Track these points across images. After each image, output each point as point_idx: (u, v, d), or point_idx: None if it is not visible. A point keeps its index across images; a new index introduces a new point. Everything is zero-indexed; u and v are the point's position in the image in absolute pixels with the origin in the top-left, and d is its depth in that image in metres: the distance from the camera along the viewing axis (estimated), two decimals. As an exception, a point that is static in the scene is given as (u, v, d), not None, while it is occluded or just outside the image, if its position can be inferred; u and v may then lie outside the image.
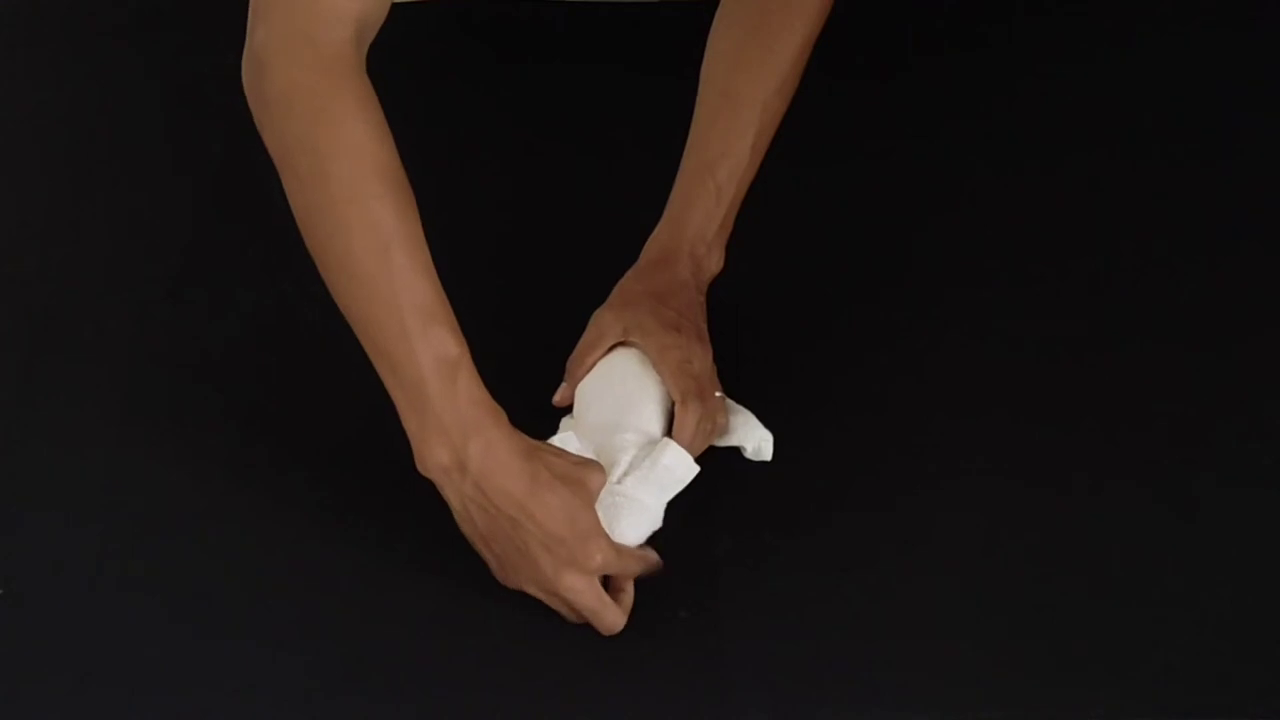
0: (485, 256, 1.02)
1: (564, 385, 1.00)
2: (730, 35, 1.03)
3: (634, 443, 0.96)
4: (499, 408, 0.88)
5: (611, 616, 0.90)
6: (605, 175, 1.15)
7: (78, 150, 1.25)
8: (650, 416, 0.97)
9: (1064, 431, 1.01)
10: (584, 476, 0.90)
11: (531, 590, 0.90)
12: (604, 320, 1.00)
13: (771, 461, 0.99)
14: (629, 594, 0.91)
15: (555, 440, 0.95)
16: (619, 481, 0.94)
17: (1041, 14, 1.29)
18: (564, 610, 0.91)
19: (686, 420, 0.96)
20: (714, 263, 1.02)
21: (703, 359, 0.98)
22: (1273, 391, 1.03)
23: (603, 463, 0.94)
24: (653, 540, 0.94)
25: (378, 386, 1.04)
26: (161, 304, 1.12)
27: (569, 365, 1.00)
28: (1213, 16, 1.27)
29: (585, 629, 0.91)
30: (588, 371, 0.99)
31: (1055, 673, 0.90)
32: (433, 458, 0.88)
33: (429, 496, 0.98)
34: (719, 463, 0.99)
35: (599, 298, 1.00)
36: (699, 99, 1.04)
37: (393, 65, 1.20)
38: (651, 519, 0.94)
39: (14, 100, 1.30)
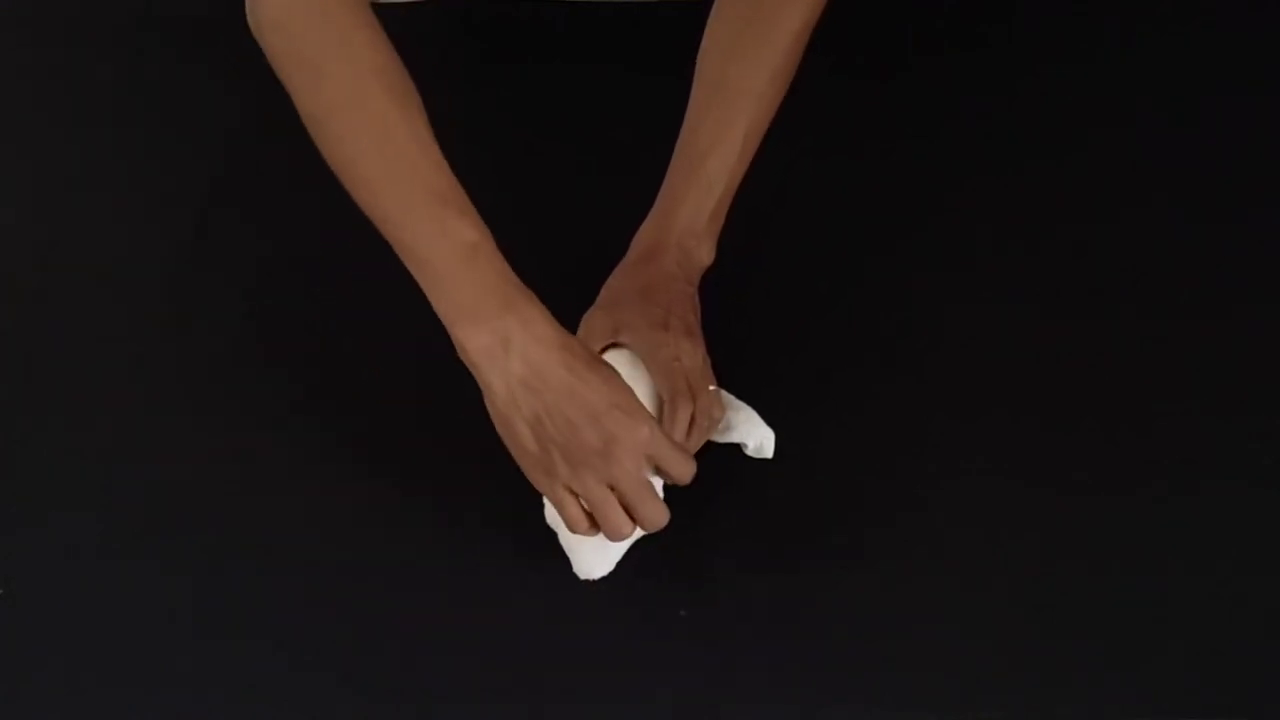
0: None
1: None
2: (724, 25, 1.03)
3: None
4: (528, 288, 0.88)
5: (656, 506, 0.88)
6: (605, 175, 1.15)
7: (78, 150, 1.25)
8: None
9: (1064, 432, 1.01)
10: (610, 363, 0.91)
11: (574, 483, 0.88)
12: (593, 322, 0.99)
13: (772, 461, 0.99)
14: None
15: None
16: None
17: (1041, 14, 1.29)
18: (605, 511, 0.87)
19: (676, 418, 0.95)
20: (704, 255, 1.01)
21: (692, 354, 0.97)
22: (1273, 391, 1.03)
23: None
24: (653, 540, 0.94)
25: (378, 386, 1.05)
26: (162, 304, 1.12)
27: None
28: (1212, 16, 1.27)
29: (585, 630, 0.91)
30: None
31: (1055, 673, 0.90)
32: (472, 341, 0.87)
33: (432, 497, 0.99)
34: (719, 461, 0.99)
35: (589, 294, 1.00)
36: (693, 90, 1.03)
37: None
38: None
39: (14, 100, 1.30)
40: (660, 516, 0.89)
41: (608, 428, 0.87)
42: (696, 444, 0.96)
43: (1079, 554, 0.95)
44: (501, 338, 0.87)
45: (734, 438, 0.99)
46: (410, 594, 0.95)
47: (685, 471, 0.90)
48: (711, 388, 0.98)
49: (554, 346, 0.87)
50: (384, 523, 0.98)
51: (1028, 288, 1.09)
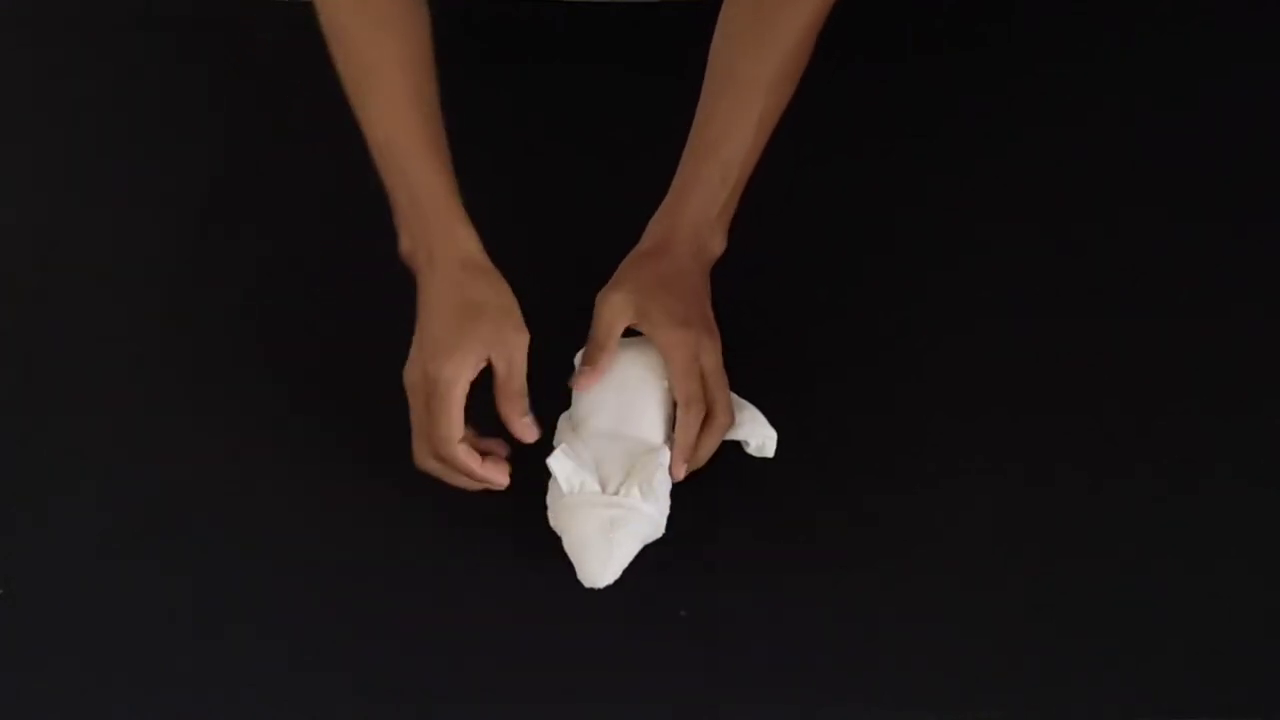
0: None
1: (587, 370, 0.96)
2: (736, 17, 1.02)
3: (635, 451, 0.95)
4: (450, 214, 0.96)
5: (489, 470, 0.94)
6: (605, 175, 1.15)
7: (78, 150, 1.25)
8: (651, 424, 0.97)
9: (1064, 431, 1.01)
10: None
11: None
12: (614, 303, 0.97)
13: (772, 461, 0.99)
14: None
15: (559, 450, 0.94)
16: (618, 491, 0.94)
17: (1041, 14, 1.29)
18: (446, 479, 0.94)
19: (688, 424, 0.95)
20: (716, 245, 1.01)
21: (712, 352, 0.97)
22: (1273, 391, 1.03)
23: (603, 472, 0.94)
24: (654, 540, 0.94)
25: (379, 385, 1.05)
26: (162, 304, 1.12)
27: (590, 352, 0.97)
28: (1212, 16, 1.27)
29: (585, 630, 0.92)
30: (610, 357, 0.97)
31: (1055, 673, 0.90)
32: (400, 247, 0.98)
33: (432, 496, 0.99)
34: (719, 461, 0.99)
35: (592, 295, 1.00)
36: (705, 81, 1.03)
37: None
38: (653, 528, 0.94)
39: (14, 100, 1.30)
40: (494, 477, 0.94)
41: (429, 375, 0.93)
42: (710, 448, 0.96)
43: (1079, 554, 0.95)
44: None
45: (736, 436, 0.99)
46: (410, 594, 0.95)
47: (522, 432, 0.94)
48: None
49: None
50: (384, 523, 0.98)
51: (1028, 288, 1.09)
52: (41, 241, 1.17)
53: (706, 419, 0.96)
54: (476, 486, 0.95)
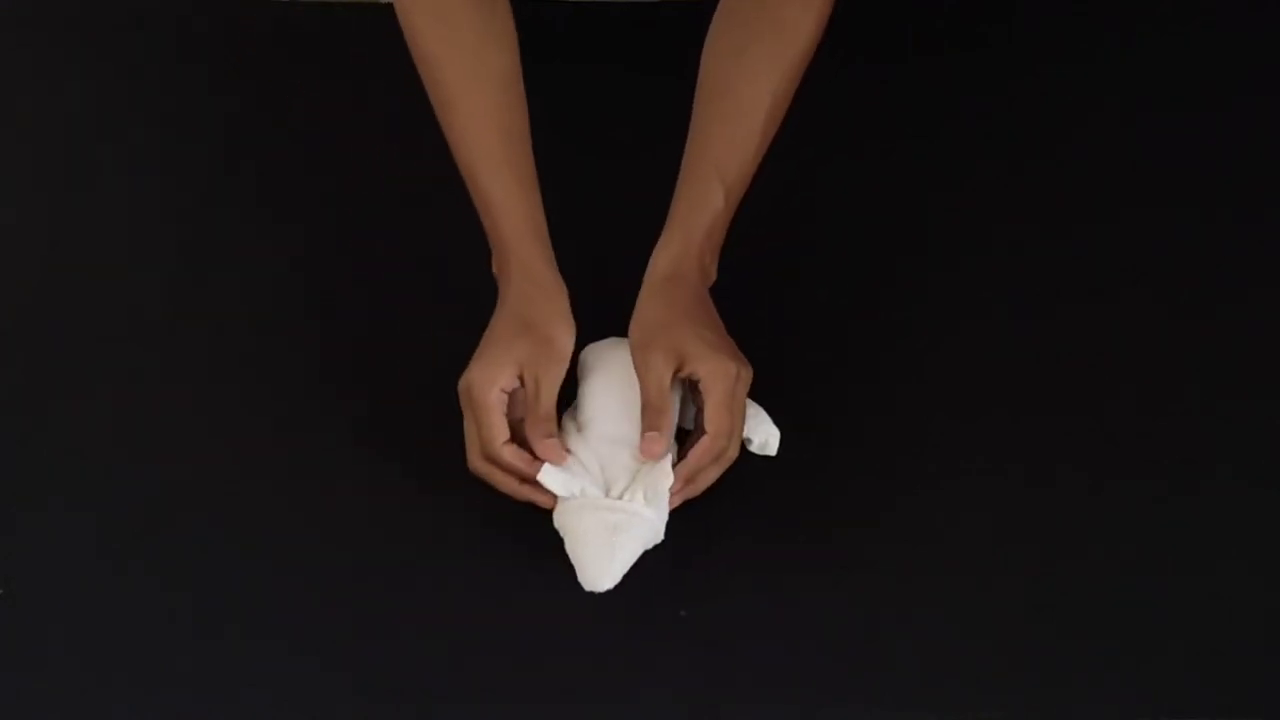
0: (486, 255, 1.02)
1: (653, 436, 0.94)
2: (732, 33, 1.02)
3: (638, 458, 0.95)
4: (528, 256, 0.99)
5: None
6: (605, 175, 1.15)
7: (78, 150, 1.25)
8: None
9: (1065, 432, 1.01)
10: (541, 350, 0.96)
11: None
12: (656, 365, 0.95)
13: (772, 461, 0.99)
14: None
15: (547, 465, 0.94)
16: (621, 496, 0.94)
17: (1042, 14, 1.29)
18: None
19: (706, 452, 0.94)
20: (714, 271, 1.01)
21: (745, 383, 0.96)
22: (1274, 391, 1.03)
23: (606, 476, 0.94)
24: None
25: (379, 385, 1.05)
26: (161, 303, 1.12)
27: (648, 418, 0.95)
28: (1212, 16, 1.27)
29: (585, 630, 0.92)
30: (670, 419, 0.95)
31: (1055, 673, 0.90)
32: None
33: (432, 497, 0.99)
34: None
35: (599, 297, 1.00)
36: (699, 98, 1.03)
37: (393, 65, 1.21)
38: (653, 533, 0.94)
39: (14, 100, 1.30)
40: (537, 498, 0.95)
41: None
42: (710, 479, 0.96)
43: (1079, 554, 0.95)
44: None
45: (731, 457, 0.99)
46: (410, 594, 0.94)
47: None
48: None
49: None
50: (384, 523, 0.98)
51: (1028, 288, 1.09)
52: (41, 241, 1.17)
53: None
54: (522, 493, 0.95)
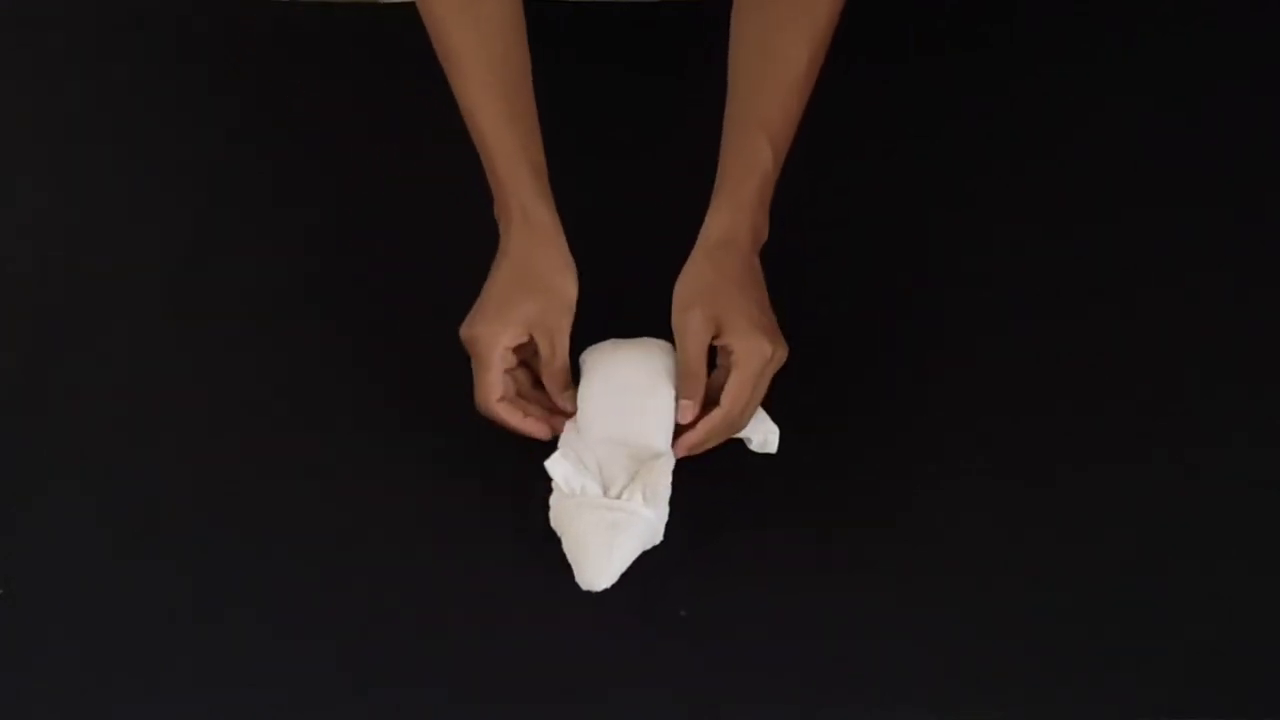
0: (487, 255, 1.02)
1: (688, 404, 0.96)
2: None
3: (639, 456, 0.95)
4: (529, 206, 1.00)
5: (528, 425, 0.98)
6: (605, 175, 1.15)
7: (77, 150, 1.25)
8: (656, 429, 0.97)
9: (1065, 432, 1.01)
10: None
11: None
12: (695, 327, 0.96)
13: (771, 461, 0.99)
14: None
15: (557, 453, 0.95)
16: (620, 495, 0.94)
17: (1042, 14, 1.29)
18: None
19: (718, 422, 0.95)
20: (766, 229, 1.01)
21: (779, 361, 0.97)
22: (1274, 391, 1.03)
23: (604, 476, 0.94)
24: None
25: (379, 385, 1.05)
26: (162, 304, 1.12)
27: (685, 384, 0.96)
28: (1213, 17, 1.27)
29: (585, 630, 0.92)
30: (704, 384, 0.96)
31: (1055, 673, 0.90)
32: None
33: (432, 497, 0.99)
34: (719, 462, 0.99)
35: (599, 296, 1.00)
36: (733, 60, 1.03)
37: (393, 65, 1.21)
38: (652, 533, 0.94)
39: (14, 100, 1.30)
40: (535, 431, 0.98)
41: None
42: (714, 443, 0.97)
43: (1079, 554, 0.95)
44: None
45: (740, 432, 0.99)
46: (409, 594, 0.94)
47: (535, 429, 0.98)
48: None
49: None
50: (384, 523, 0.98)
51: (1028, 287, 1.09)
52: (42, 241, 1.17)
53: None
54: (525, 428, 0.99)
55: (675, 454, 0.96)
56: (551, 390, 0.99)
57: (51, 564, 0.97)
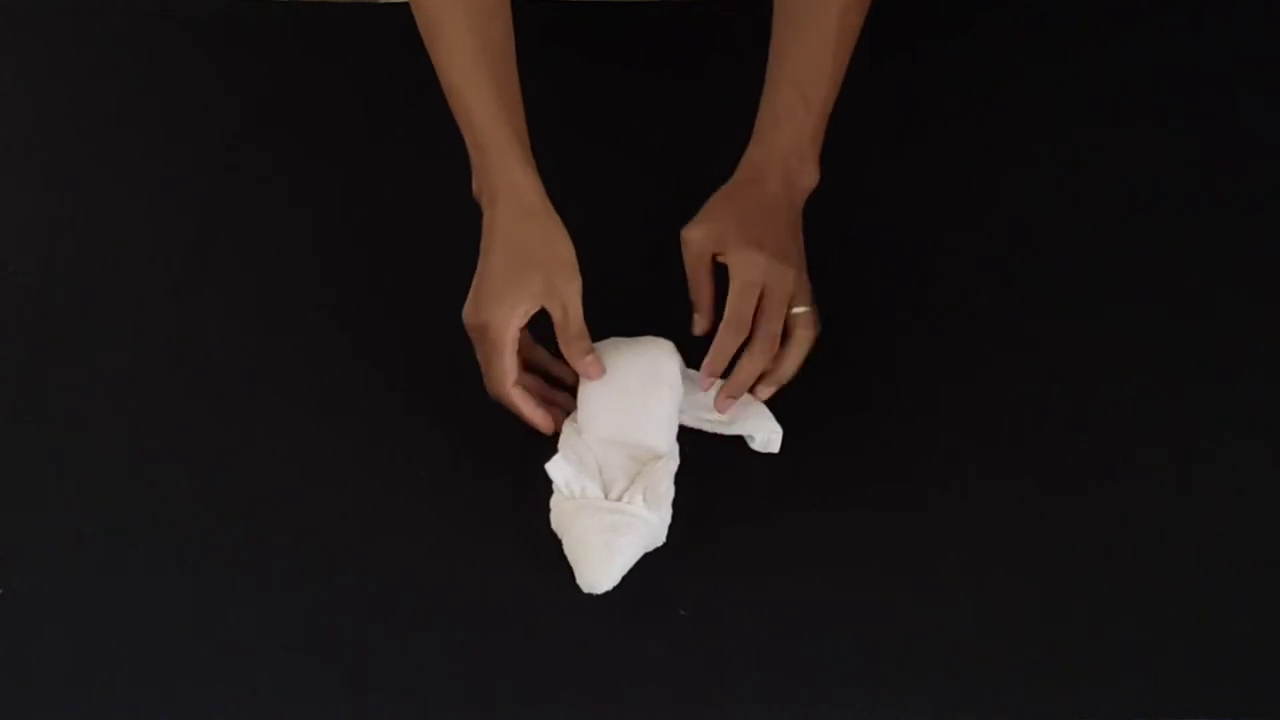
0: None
1: (698, 318, 1.01)
2: None
3: (640, 458, 0.95)
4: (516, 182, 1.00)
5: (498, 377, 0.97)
6: (605, 175, 1.15)
7: (78, 150, 1.25)
8: (656, 430, 0.97)
9: (1065, 432, 1.01)
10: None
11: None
12: (694, 238, 1.00)
13: (773, 461, 0.99)
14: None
15: (558, 455, 0.95)
16: (621, 497, 0.94)
17: (1042, 14, 1.29)
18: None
19: (721, 345, 0.97)
20: (808, 177, 1.03)
21: (782, 280, 0.98)
22: (1275, 391, 1.03)
23: (606, 477, 0.94)
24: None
25: (379, 385, 1.05)
26: (162, 304, 1.12)
27: (693, 294, 1.01)
28: (1213, 17, 1.27)
29: (586, 630, 0.92)
30: (710, 292, 1.00)
31: (1055, 673, 0.90)
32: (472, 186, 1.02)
33: (432, 497, 0.99)
34: (719, 462, 0.99)
35: (599, 295, 1.00)
36: (775, 13, 1.04)
37: (393, 65, 1.21)
38: (654, 535, 0.94)
39: (15, 100, 1.30)
40: (499, 381, 0.97)
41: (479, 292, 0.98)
42: (749, 374, 0.98)
43: (1079, 554, 0.95)
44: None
45: (742, 430, 0.99)
46: (410, 594, 0.94)
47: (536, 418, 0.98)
48: (797, 309, 0.99)
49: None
50: (384, 523, 0.98)
51: (1029, 287, 1.09)
52: (42, 242, 1.17)
53: (749, 343, 0.98)
54: (535, 418, 0.99)
55: (703, 386, 0.98)
56: (571, 357, 0.98)
57: (51, 564, 0.97)
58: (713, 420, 1.00)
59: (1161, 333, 1.06)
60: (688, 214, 1.02)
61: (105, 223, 1.18)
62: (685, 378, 0.99)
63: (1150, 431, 1.01)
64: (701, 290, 1.01)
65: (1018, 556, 0.95)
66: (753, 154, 1.03)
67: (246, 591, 0.95)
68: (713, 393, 0.99)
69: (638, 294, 1.04)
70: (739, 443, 1.00)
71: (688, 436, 0.99)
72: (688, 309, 1.02)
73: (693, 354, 1.01)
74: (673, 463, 0.96)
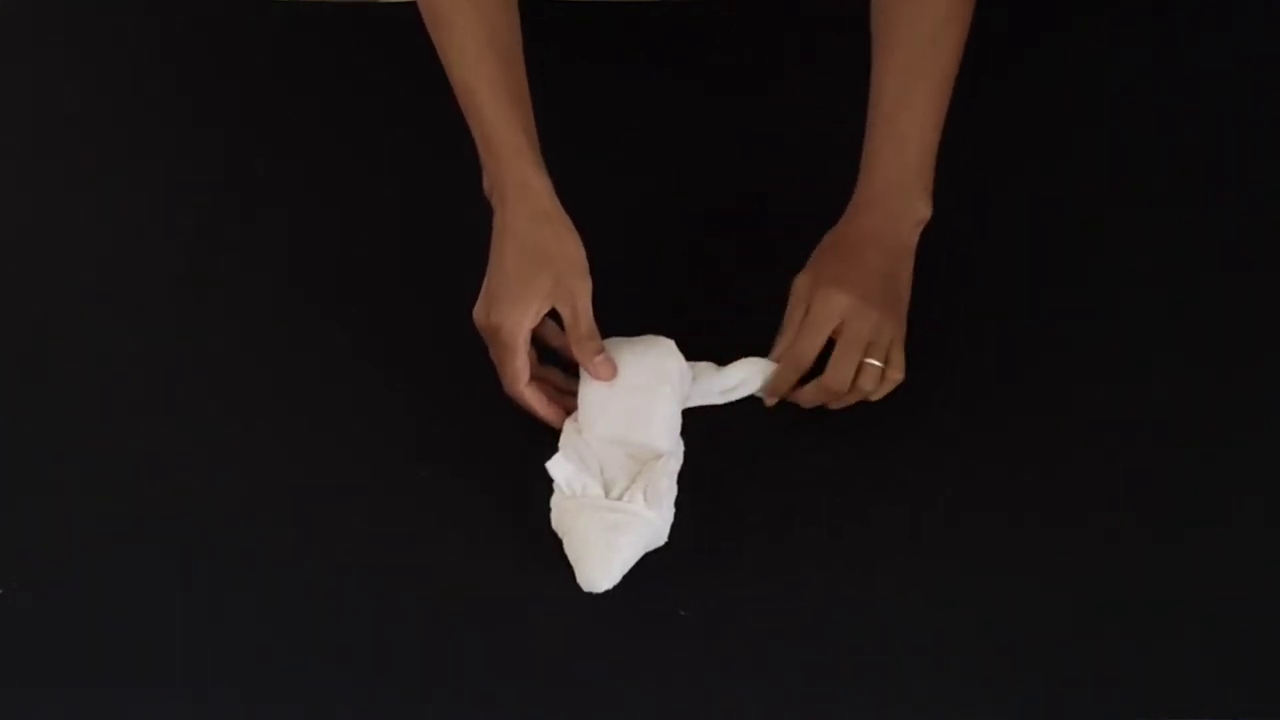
0: (487, 255, 1.02)
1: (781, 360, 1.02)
2: None
3: (640, 457, 0.95)
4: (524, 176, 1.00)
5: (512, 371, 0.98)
6: (605, 175, 1.15)
7: (79, 150, 1.25)
8: (657, 429, 0.97)
9: (1065, 432, 1.01)
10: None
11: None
12: (796, 283, 1.02)
13: (772, 461, 0.99)
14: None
15: (559, 454, 0.95)
16: (621, 496, 0.94)
17: (1043, 13, 1.29)
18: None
19: (780, 376, 1.00)
20: (915, 212, 1.03)
21: (861, 320, 0.99)
22: (1276, 391, 1.03)
23: (607, 476, 0.94)
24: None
25: (380, 386, 1.05)
26: (163, 304, 1.12)
27: (784, 344, 1.02)
28: (1213, 17, 1.27)
29: (585, 630, 0.92)
30: (800, 342, 1.00)
31: (1055, 673, 0.90)
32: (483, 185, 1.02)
33: (432, 497, 0.99)
34: (718, 463, 0.99)
35: (598, 296, 1.00)
36: (872, 43, 1.04)
37: (393, 65, 1.21)
38: (655, 534, 0.94)
39: (15, 100, 1.30)
40: (513, 374, 0.98)
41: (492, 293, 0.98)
42: (807, 402, 1.01)
43: (1079, 554, 0.95)
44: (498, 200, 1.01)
45: (729, 380, 1.01)
46: (411, 594, 0.94)
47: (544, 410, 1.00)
48: (871, 362, 0.99)
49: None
50: (385, 524, 0.98)
51: (1030, 287, 1.09)
52: (42, 242, 1.17)
53: (820, 377, 0.99)
54: (548, 415, 1.00)
55: (768, 400, 1.00)
56: (582, 358, 0.98)
57: (51, 564, 0.97)
58: (718, 396, 1.02)
59: (1163, 332, 1.06)
60: (687, 213, 1.02)
61: (106, 222, 1.18)
62: (690, 370, 0.99)
63: (1151, 431, 1.01)
64: (782, 334, 1.02)
65: (1018, 557, 0.95)
66: (859, 191, 1.04)
67: (247, 591, 0.95)
68: (717, 377, 1.00)
69: (637, 294, 1.04)
70: (740, 443, 1.00)
71: (690, 437, 0.99)
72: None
73: (694, 353, 1.01)
74: (674, 462, 0.96)
